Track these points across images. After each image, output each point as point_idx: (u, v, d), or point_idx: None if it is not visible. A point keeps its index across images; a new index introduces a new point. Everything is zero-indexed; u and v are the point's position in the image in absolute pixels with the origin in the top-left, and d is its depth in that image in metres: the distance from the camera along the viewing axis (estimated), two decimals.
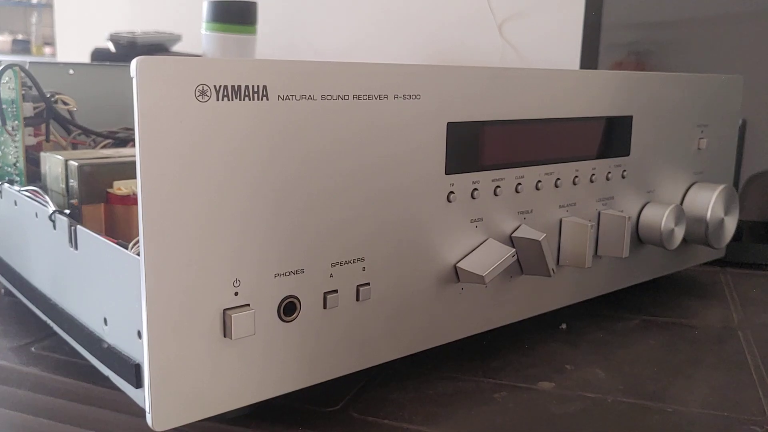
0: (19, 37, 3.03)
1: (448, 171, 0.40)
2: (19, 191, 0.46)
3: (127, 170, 0.45)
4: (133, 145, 0.55)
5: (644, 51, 0.84)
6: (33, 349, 0.45)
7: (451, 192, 0.40)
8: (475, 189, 0.41)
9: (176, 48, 1.17)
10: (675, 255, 0.57)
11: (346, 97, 0.35)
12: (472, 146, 0.41)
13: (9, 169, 0.52)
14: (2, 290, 0.55)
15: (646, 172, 0.53)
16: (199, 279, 0.31)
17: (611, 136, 0.49)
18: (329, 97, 0.34)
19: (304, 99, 0.33)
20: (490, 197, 0.42)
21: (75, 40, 1.57)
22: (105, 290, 0.36)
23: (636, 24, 0.83)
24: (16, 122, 0.51)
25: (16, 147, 0.51)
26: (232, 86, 0.31)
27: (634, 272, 0.54)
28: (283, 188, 0.33)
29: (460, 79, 0.40)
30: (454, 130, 0.40)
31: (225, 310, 0.32)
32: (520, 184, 0.44)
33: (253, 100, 0.32)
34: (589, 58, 0.84)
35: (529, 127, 0.44)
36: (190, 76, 0.30)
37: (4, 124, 0.51)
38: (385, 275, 0.38)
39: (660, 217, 0.52)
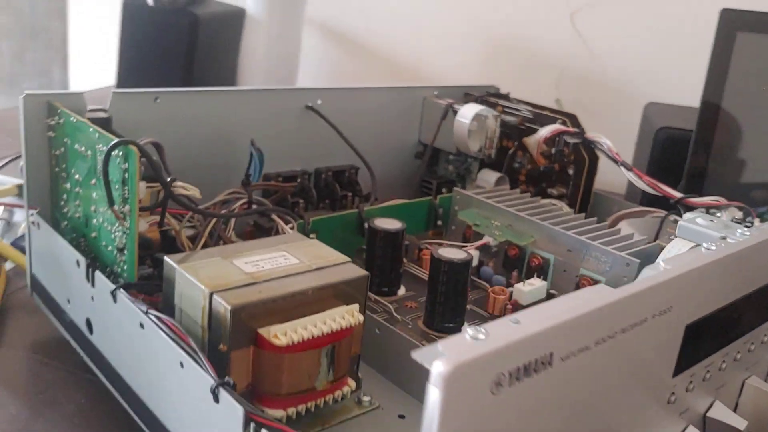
0: None
1: (676, 373, 0.35)
2: (146, 312, 0.40)
3: (280, 307, 0.39)
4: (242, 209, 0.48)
5: None
6: None
7: (673, 393, 0.36)
8: (691, 382, 0.37)
9: None
10: None
11: (614, 335, 0.30)
12: (701, 342, 0.36)
13: (113, 251, 0.45)
14: None
15: None
16: None
17: None
18: (601, 341, 0.29)
19: (581, 352, 0.28)
20: (699, 384, 0.38)
21: None
22: None
23: None
24: (127, 207, 0.43)
25: (125, 233, 0.44)
26: (524, 365, 0.25)
27: None
28: None
29: (703, 280, 0.34)
30: (690, 331, 0.35)
31: None
32: (724, 362, 0.40)
33: (539, 372, 0.26)
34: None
35: (741, 303, 0.39)
36: (488, 370, 0.24)
37: (112, 205, 0.44)
38: None
39: None
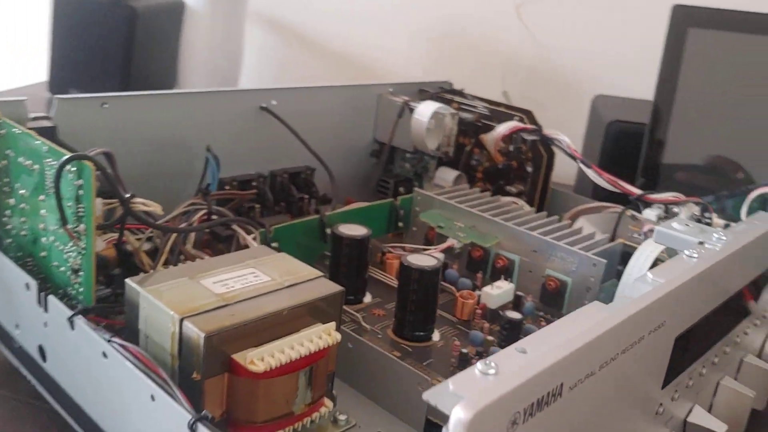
0: None
1: (664, 385, 0.35)
2: (109, 341, 0.37)
3: (253, 330, 0.37)
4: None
5: None
6: None
7: (661, 404, 0.36)
8: (676, 391, 0.37)
9: None
10: None
11: (616, 356, 0.29)
12: (687, 354, 0.36)
13: (66, 272, 0.42)
14: None
15: None
16: None
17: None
18: (605, 364, 0.28)
19: (587, 378, 0.27)
20: (683, 392, 0.38)
21: None
22: None
23: None
24: (82, 226, 0.40)
25: (80, 253, 0.41)
26: (537, 400, 0.24)
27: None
28: None
29: (693, 291, 0.34)
30: (679, 343, 0.35)
31: None
32: (704, 367, 0.40)
33: (549, 405, 0.25)
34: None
35: (720, 308, 0.39)
36: (506, 410, 0.23)
37: (65, 224, 0.40)
38: None
39: None
